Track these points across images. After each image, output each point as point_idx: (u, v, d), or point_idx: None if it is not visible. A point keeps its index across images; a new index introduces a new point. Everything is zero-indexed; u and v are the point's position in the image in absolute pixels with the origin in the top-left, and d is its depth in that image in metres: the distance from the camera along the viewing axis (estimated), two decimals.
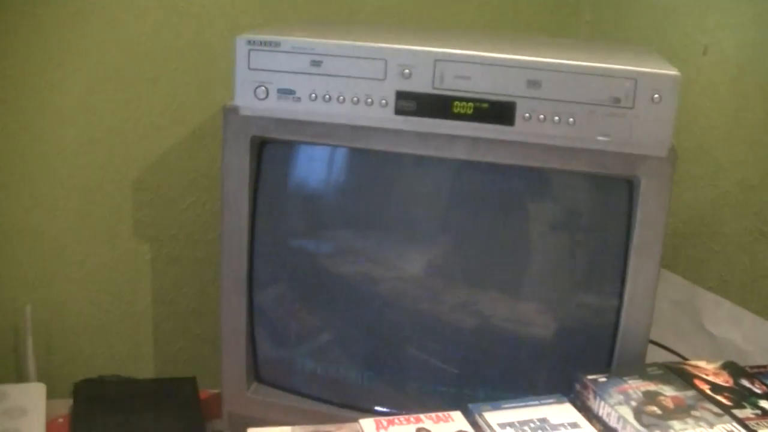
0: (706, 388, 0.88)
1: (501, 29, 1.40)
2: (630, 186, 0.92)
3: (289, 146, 0.99)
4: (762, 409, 0.84)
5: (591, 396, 0.85)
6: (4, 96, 1.19)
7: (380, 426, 0.81)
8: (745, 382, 0.90)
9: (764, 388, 0.89)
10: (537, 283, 1.02)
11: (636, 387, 0.86)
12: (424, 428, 0.81)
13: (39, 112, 1.20)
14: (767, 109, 1.18)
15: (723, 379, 0.91)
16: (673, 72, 0.85)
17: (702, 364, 0.94)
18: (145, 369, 1.34)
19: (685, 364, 0.95)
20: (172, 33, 1.23)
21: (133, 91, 1.24)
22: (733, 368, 0.93)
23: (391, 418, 0.82)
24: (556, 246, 0.99)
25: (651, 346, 1.11)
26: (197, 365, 1.31)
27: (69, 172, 1.24)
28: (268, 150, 0.99)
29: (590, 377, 0.87)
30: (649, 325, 0.95)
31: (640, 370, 0.90)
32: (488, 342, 1.03)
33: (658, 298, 1.33)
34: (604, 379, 0.87)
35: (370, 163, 1.00)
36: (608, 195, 0.95)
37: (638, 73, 0.85)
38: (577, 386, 0.88)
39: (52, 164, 1.23)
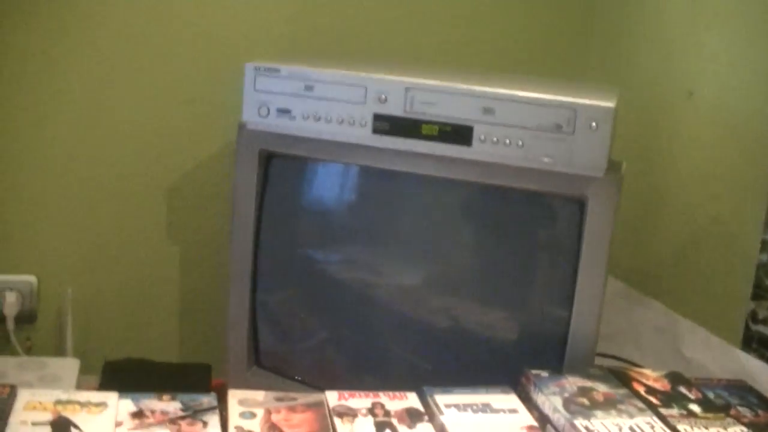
0: (640, 389, 0.96)
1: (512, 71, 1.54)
2: (581, 206, 1.03)
3: (292, 160, 1.15)
4: (690, 411, 0.92)
5: (532, 388, 0.95)
6: (56, 103, 1.37)
7: (342, 397, 0.93)
8: (683, 389, 0.98)
9: (699, 395, 0.97)
10: (500, 293, 1.13)
11: (573, 383, 0.95)
12: (379, 402, 0.92)
13: (90, 120, 1.39)
14: (740, 149, 1.28)
15: (661, 385, 0.99)
16: (609, 104, 0.96)
17: (647, 371, 1.02)
18: (170, 354, 1.49)
19: (630, 369, 1.03)
20: (206, 59, 1.41)
21: (173, 110, 1.42)
22: (675, 377, 1.01)
23: (352, 392, 0.94)
24: (520, 260, 1.11)
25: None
26: (216, 355, 1.45)
27: (108, 179, 1.42)
28: (274, 163, 1.15)
29: (534, 372, 0.97)
30: (596, 332, 1.05)
31: (583, 371, 0.99)
32: (457, 342, 1.15)
33: (641, 324, 1.42)
34: (545, 375, 0.97)
35: (361, 179, 1.15)
36: (561, 213, 1.06)
37: (578, 104, 0.96)
38: (522, 379, 0.98)
39: (97, 173, 1.42)
